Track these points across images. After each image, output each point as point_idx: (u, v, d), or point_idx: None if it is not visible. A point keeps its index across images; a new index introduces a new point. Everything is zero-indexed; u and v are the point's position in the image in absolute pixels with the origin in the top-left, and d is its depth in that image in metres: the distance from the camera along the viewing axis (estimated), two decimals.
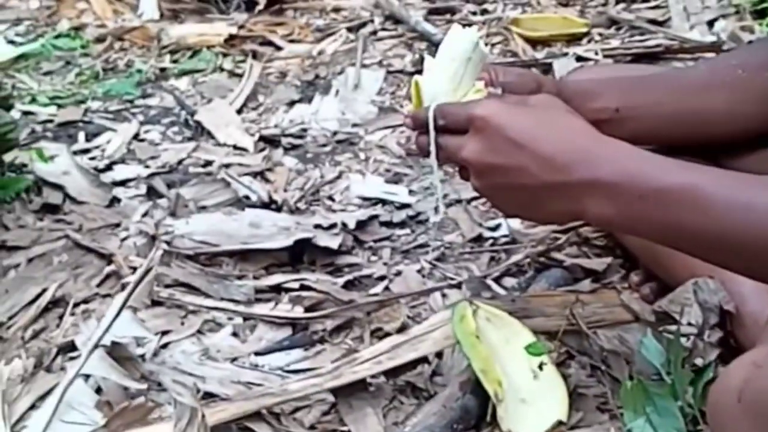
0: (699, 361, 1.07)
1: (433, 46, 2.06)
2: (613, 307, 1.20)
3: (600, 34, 2.08)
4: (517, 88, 1.03)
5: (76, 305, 1.32)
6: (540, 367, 1.07)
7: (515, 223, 1.44)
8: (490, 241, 1.42)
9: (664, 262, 1.20)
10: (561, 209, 0.87)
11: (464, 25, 1.02)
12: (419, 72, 1.06)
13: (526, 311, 1.17)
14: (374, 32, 2.18)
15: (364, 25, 2.21)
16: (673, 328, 1.08)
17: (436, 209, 1.05)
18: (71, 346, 1.22)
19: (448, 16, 2.22)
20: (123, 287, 1.30)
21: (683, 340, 1.08)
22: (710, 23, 1.98)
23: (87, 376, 1.13)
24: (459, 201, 1.53)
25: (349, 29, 2.21)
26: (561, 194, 0.85)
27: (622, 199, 0.81)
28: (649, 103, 1.14)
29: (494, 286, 1.30)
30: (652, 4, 2.13)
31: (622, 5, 2.21)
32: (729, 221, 0.77)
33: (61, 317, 1.30)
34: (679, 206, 0.78)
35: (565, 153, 0.84)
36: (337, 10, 2.32)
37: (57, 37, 2.31)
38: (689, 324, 1.10)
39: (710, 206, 0.77)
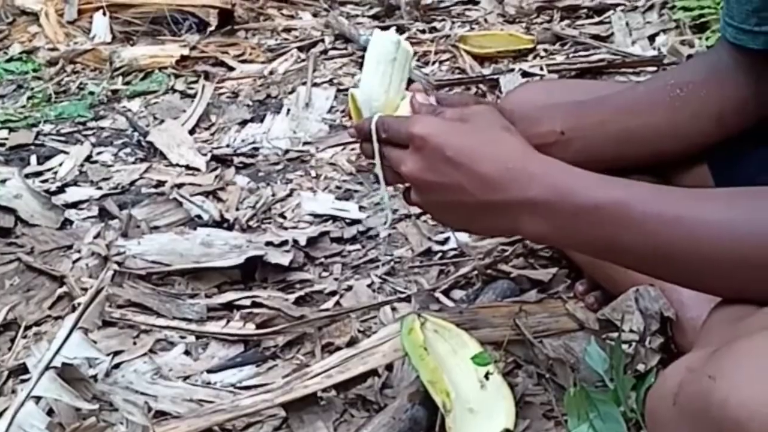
0: (641, 367, 1.10)
1: None
2: (558, 316, 1.22)
3: (545, 50, 2.12)
4: (455, 102, 1.04)
5: (27, 328, 1.33)
6: (486, 377, 1.09)
7: (463, 237, 1.46)
8: (439, 254, 1.45)
9: (606, 272, 1.22)
10: (498, 226, 0.90)
11: (383, 28, 1.04)
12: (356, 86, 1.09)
13: (473, 322, 1.19)
14: (325, 51, 2.21)
15: (314, 44, 2.24)
16: (616, 335, 1.11)
17: (386, 222, 1.07)
18: (23, 369, 1.22)
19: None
20: (74, 309, 1.31)
21: (626, 346, 1.11)
22: (651, 38, 2.03)
23: (38, 398, 1.14)
24: (408, 216, 1.55)
25: (300, 49, 2.23)
26: (497, 212, 0.88)
27: (555, 217, 0.85)
28: (593, 124, 1.17)
29: (443, 298, 1.32)
30: (596, 20, 2.18)
31: (566, 21, 2.26)
32: (658, 235, 0.80)
33: (12, 340, 1.30)
34: (610, 222, 0.82)
35: (500, 172, 0.87)
36: (288, 30, 2.35)
37: (8, 60, 2.31)
38: (631, 331, 1.13)
39: (639, 221, 0.80)
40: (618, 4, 2.19)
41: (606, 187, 0.83)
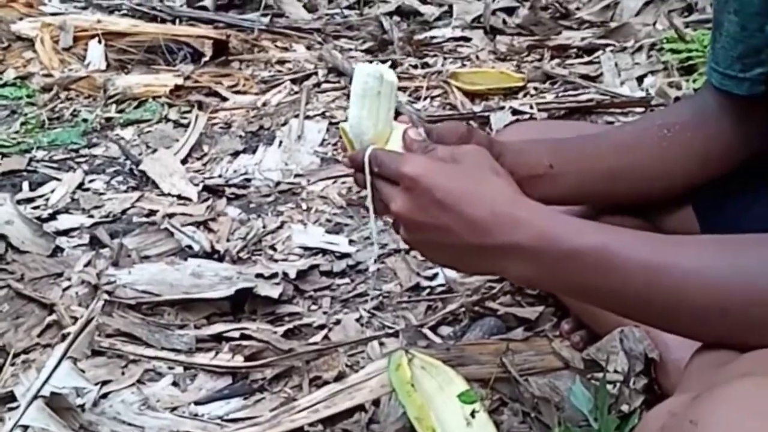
0: (625, 408, 1.11)
1: None
2: (544, 354, 1.24)
3: (535, 88, 2.15)
4: (447, 134, 1.05)
5: (16, 355, 1.33)
6: (473, 414, 1.10)
7: (451, 273, 1.48)
8: (427, 289, 1.46)
9: (592, 312, 1.24)
10: (485, 267, 0.93)
11: (369, 62, 1.06)
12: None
13: (460, 359, 1.20)
14: (318, 84, 2.23)
15: (307, 77, 2.26)
16: (601, 375, 1.12)
17: (374, 256, 1.09)
18: (11, 397, 1.22)
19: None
20: (64, 337, 1.32)
21: (610, 387, 1.13)
22: (639, 79, 2.06)
23: (26, 427, 1.14)
24: (398, 251, 1.56)
25: (293, 81, 2.25)
26: (483, 254, 0.89)
27: (539, 262, 0.86)
28: (582, 160, 1.18)
29: (430, 334, 1.33)
30: (586, 59, 2.21)
31: (556, 60, 2.29)
32: (640, 281, 0.82)
33: (0, 368, 1.31)
34: (592, 268, 0.84)
35: (487, 216, 0.88)
36: (281, 62, 2.37)
37: (3, 86, 2.32)
38: (615, 371, 1.14)
39: (621, 267, 0.82)
40: (607, 45, 2.22)
41: (589, 233, 0.85)
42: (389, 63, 1.07)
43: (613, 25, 2.31)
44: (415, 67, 2.33)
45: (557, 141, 1.23)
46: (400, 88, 2.15)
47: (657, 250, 0.82)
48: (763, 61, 1.11)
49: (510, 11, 2.52)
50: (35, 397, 1.14)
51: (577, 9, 2.45)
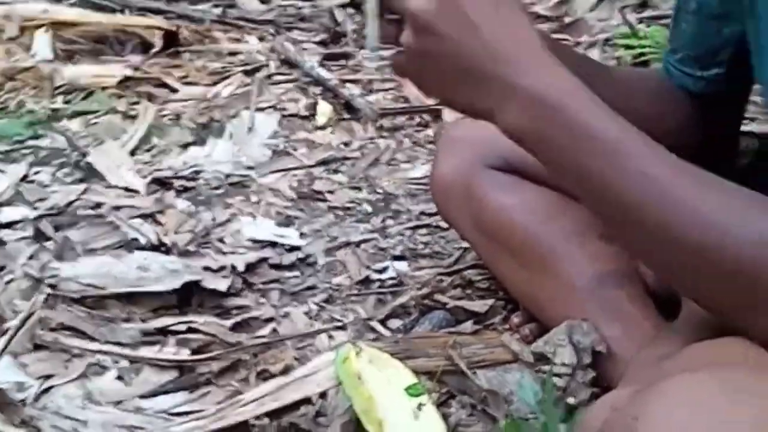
0: (572, 401, 1.11)
1: (328, 90, 2.10)
2: (493, 347, 1.23)
3: None
4: None
5: None
6: (419, 407, 1.09)
7: (402, 266, 1.47)
8: (377, 283, 1.45)
9: (542, 305, 1.24)
10: (479, 103, 0.84)
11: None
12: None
13: (408, 352, 1.20)
14: (269, 76, 2.20)
15: (259, 69, 2.24)
16: (548, 367, 1.12)
17: (370, 48, 0.95)
18: None
19: (342, 62, 2.26)
20: (5, 332, 1.29)
21: (558, 379, 1.13)
22: None
23: None
24: (348, 243, 1.55)
25: (245, 73, 2.22)
26: (486, 86, 0.83)
27: (542, 119, 0.80)
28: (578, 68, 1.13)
29: (379, 327, 1.33)
30: None
31: None
32: (636, 193, 0.76)
33: None
34: (596, 154, 0.78)
35: (511, 48, 0.82)
36: (233, 53, 2.34)
37: None
38: (563, 364, 1.14)
39: (626, 173, 0.77)
40: (562, 39, 2.22)
41: (611, 121, 0.79)
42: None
43: (567, 20, 2.32)
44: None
45: (565, 45, 1.17)
46: (351, 81, 2.14)
47: (666, 168, 0.77)
48: (721, 62, 1.12)
49: None
50: None
51: (532, 3, 2.45)
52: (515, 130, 0.83)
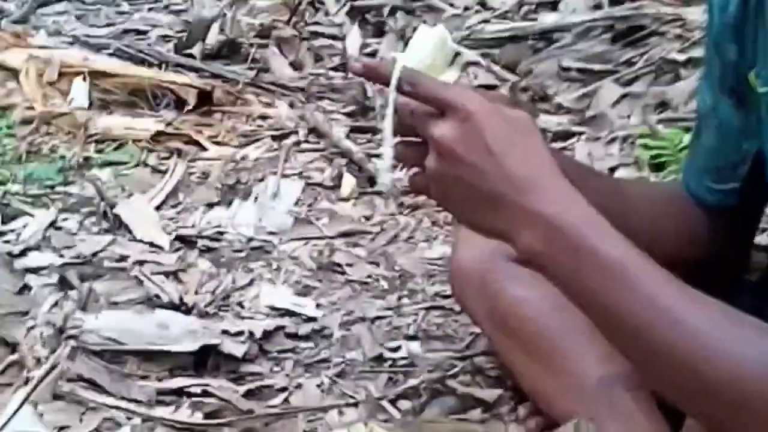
0: None
1: (353, 163, 2.15)
2: None
3: None
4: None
5: None
6: None
7: (415, 347, 1.51)
8: (390, 361, 1.48)
9: (549, 399, 1.27)
10: (497, 226, 0.91)
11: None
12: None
13: None
14: (297, 143, 2.26)
15: (288, 135, 2.29)
16: None
17: (385, 175, 0.99)
18: None
19: (369, 135, 2.31)
20: (26, 381, 1.32)
21: None
22: (612, 170, 2.10)
23: None
24: (363, 319, 1.59)
25: (273, 138, 2.28)
26: (505, 212, 0.89)
27: (555, 243, 0.86)
28: (594, 188, 1.16)
29: (389, 407, 1.35)
30: (560, 145, 2.26)
31: None
32: (640, 313, 0.83)
33: None
34: (601, 276, 0.84)
35: (528, 176, 0.88)
36: (263, 117, 2.40)
37: None
38: None
39: (629, 290, 0.83)
40: (582, 133, 2.28)
41: (616, 244, 0.86)
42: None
43: (589, 113, 2.37)
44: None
45: (581, 163, 1.22)
46: (376, 155, 2.19)
47: (671, 293, 0.83)
48: (738, 176, 1.17)
49: (491, 89, 2.57)
50: None
51: (555, 94, 2.51)
52: (531, 254, 0.90)
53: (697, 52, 2.50)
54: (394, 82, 0.92)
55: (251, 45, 2.77)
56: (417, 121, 0.93)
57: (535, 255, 0.90)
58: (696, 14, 2.73)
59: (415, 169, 0.98)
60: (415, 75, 0.94)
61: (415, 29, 1.02)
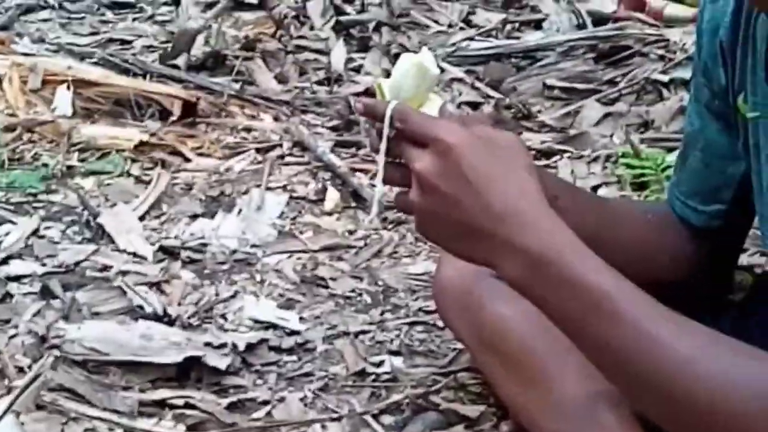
0: None
1: (337, 177, 2.16)
2: None
3: None
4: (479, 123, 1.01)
5: None
6: None
7: (398, 362, 1.51)
8: (373, 376, 1.49)
9: (532, 417, 1.27)
10: (480, 255, 0.92)
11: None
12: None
13: None
14: (281, 156, 2.26)
15: (272, 148, 2.29)
16: None
17: (375, 205, 1.04)
18: None
19: (353, 150, 2.31)
20: (9, 390, 1.31)
21: None
22: (594, 189, 2.11)
23: None
24: (347, 333, 1.59)
25: (258, 150, 2.28)
26: (486, 243, 0.89)
27: (538, 274, 0.87)
28: (585, 209, 1.16)
29: (373, 422, 1.36)
30: (543, 162, 2.27)
31: None
32: (627, 342, 0.83)
33: None
34: (586, 306, 0.85)
35: (506, 208, 0.88)
36: (248, 129, 2.40)
37: None
38: None
39: (614, 319, 0.83)
40: (565, 151, 2.30)
41: (599, 272, 0.86)
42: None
43: (572, 132, 2.39)
44: (377, 151, 2.36)
45: (568, 183, 1.22)
46: (360, 170, 2.20)
47: (657, 321, 0.84)
48: (723, 199, 1.18)
49: (475, 106, 2.60)
50: None
51: (539, 112, 2.53)
52: (514, 282, 0.91)
53: (680, 73, 2.54)
54: (387, 121, 0.95)
55: (236, 57, 2.77)
56: (404, 153, 0.95)
57: (518, 285, 0.91)
58: (678, 35, 2.77)
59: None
60: (404, 112, 0.95)
61: (401, 46, 1.04)
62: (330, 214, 2.03)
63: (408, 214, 1.02)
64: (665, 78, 2.56)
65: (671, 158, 2.02)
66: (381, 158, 0.97)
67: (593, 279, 0.85)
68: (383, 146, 0.96)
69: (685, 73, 2.46)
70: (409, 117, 0.95)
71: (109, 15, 3.20)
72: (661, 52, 2.72)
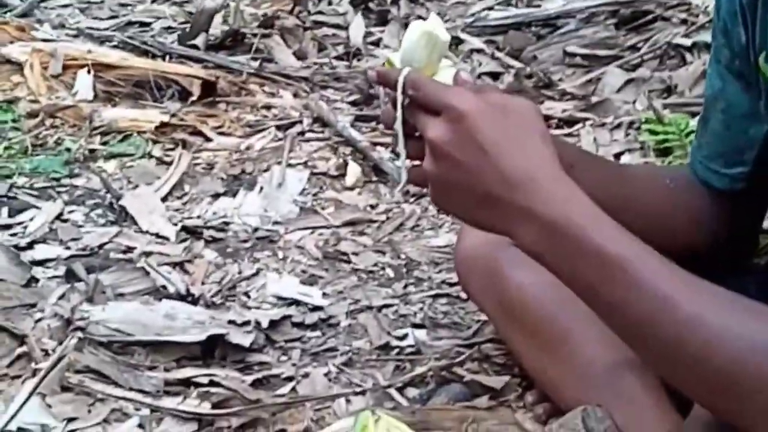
0: None
1: (358, 151, 2.15)
2: (507, 424, 1.26)
3: None
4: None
5: None
6: None
7: (421, 335, 1.51)
8: (397, 350, 1.48)
9: (556, 386, 1.27)
10: (495, 224, 0.91)
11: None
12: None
13: (425, 424, 1.23)
14: (302, 133, 2.26)
15: (292, 125, 2.29)
16: None
17: (399, 176, 1.01)
18: None
19: (374, 124, 2.31)
20: (34, 373, 1.32)
21: None
22: (617, 156, 2.10)
23: None
24: (370, 307, 1.59)
25: (278, 128, 2.28)
26: (502, 211, 0.88)
27: (556, 243, 0.86)
28: (602, 176, 1.14)
29: (397, 395, 1.35)
30: (566, 131, 2.26)
31: None
32: (649, 311, 0.82)
33: None
34: (606, 274, 0.83)
35: (523, 176, 0.87)
36: (267, 107, 2.40)
37: None
38: None
39: (635, 287, 0.82)
40: (587, 119, 2.27)
41: (619, 240, 0.85)
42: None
43: (594, 99, 2.37)
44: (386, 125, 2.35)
45: (584, 150, 1.20)
46: (380, 144, 2.19)
47: (676, 285, 0.82)
48: (745, 161, 1.16)
49: (495, 76, 2.58)
50: (2, 431, 1.15)
51: (560, 80, 2.50)
52: (530, 250, 0.89)
53: (702, 37, 2.50)
54: (399, 88, 0.94)
55: (255, 35, 2.76)
56: (417, 122, 0.94)
57: (535, 253, 0.89)
58: None
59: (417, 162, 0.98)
60: (417, 80, 0.94)
61: (420, 18, 1.03)
62: (351, 189, 2.02)
63: (423, 187, 1.01)
64: (688, 42, 2.52)
65: (695, 123, 1.99)
66: (399, 126, 0.96)
67: (609, 246, 0.84)
68: (399, 113, 0.96)
69: (708, 37, 2.38)
70: (422, 85, 0.94)
71: None
72: (683, 15, 2.68)
